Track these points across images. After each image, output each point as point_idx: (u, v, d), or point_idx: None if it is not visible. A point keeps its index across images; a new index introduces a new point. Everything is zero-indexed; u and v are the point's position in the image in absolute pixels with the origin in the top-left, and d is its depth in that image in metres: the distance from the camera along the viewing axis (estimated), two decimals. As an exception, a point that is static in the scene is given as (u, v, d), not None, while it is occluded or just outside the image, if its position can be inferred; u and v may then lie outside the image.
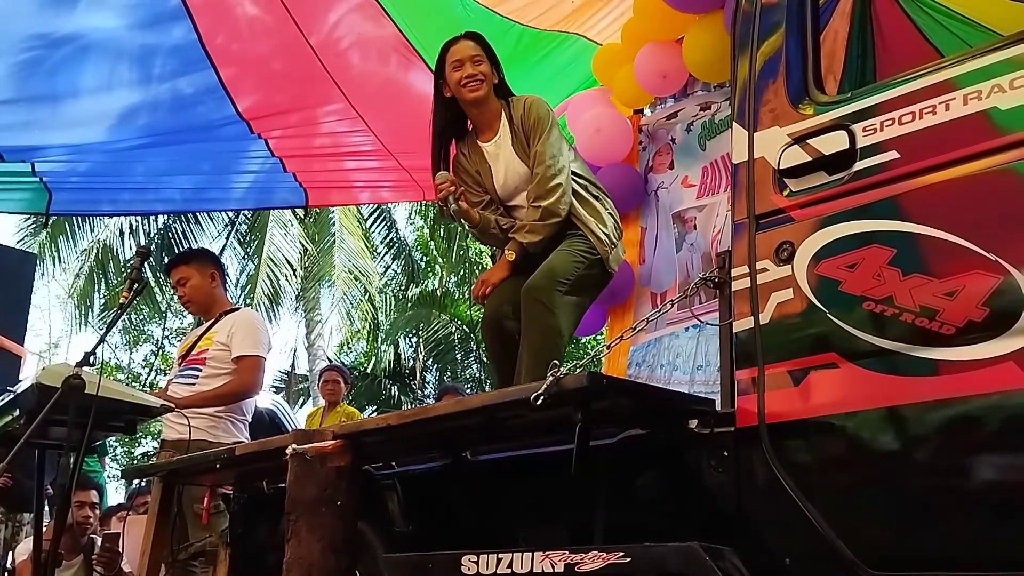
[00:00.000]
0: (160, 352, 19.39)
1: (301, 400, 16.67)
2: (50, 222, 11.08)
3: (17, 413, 2.93)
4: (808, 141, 1.80)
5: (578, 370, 1.97)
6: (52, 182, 4.97)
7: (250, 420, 3.83)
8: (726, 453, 1.84)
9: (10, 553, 4.55)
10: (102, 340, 3.13)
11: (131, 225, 13.35)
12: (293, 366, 17.60)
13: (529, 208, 2.77)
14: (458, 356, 16.15)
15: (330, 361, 14.61)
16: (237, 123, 4.86)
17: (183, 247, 12.67)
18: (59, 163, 4.90)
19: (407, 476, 2.70)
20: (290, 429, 5.44)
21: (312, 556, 2.13)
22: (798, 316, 1.75)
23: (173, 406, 3.30)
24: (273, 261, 13.60)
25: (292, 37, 4.48)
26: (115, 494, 10.15)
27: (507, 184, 2.88)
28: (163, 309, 15.59)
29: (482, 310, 2.88)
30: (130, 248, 13.38)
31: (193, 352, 3.78)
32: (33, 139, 4.62)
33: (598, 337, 5.61)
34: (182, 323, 18.14)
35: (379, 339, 16.47)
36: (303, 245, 14.24)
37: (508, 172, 2.86)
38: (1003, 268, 1.48)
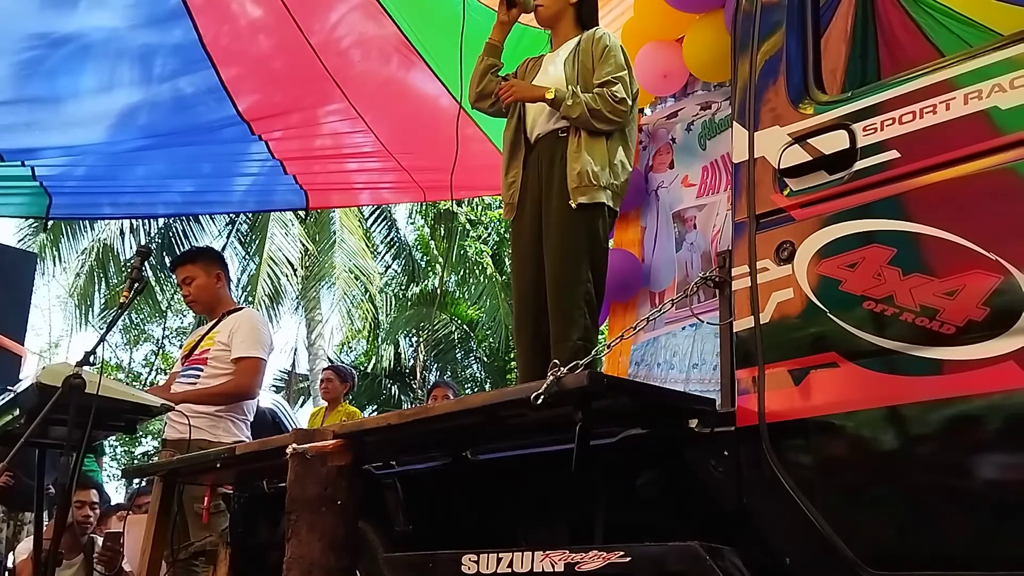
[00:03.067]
0: (160, 351, 19.40)
1: (301, 400, 16.69)
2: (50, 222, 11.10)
3: (17, 412, 2.93)
4: (808, 140, 1.80)
5: (579, 369, 1.97)
6: (52, 186, 4.97)
7: (252, 419, 3.83)
8: (726, 453, 1.84)
9: (11, 553, 4.55)
10: (102, 339, 3.13)
11: (132, 224, 13.36)
12: (294, 365, 17.62)
13: (593, 92, 2.81)
14: (458, 355, 16.17)
15: (330, 361, 14.62)
16: (238, 124, 4.86)
17: (184, 246, 12.68)
18: (59, 167, 4.89)
19: (407, 475, 2.70)
20: (290, 428, 5.45)
21: (312, 555, 2.13)
22: (798, 316, 1.75)
23: (173, 405, 3.30)
24: (274, 261, 13.61)
25: (292, 37, 4.48)
26: (115, 494, 10.16)
27: (538, 84, 2.96)
28: (163, 308, 15.59)
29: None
30: (131, 247, 13.41)
31: (195, 352, 3.78)
32: (33, 140, 4.61)
33: (598, 337, 5.61)
34: (182, 322, 18.18)
35: (379, 339, 16.49)
36: (304, 245, 14.24)
37: (549, 73, 2.96)
38: (1003, 268, 1.48)
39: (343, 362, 16.94)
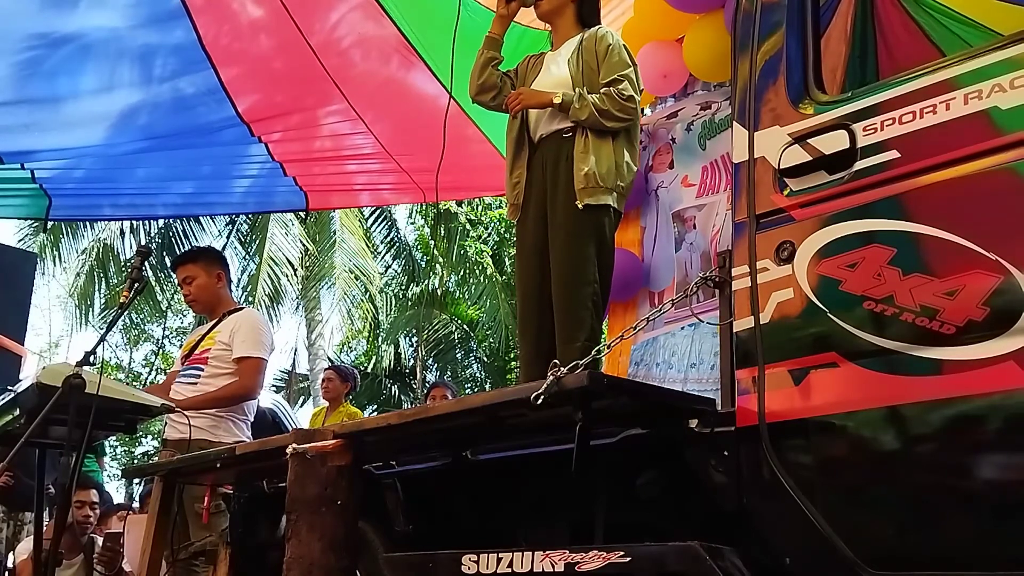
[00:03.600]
0: (160, 351, 19.41)
1: (301, 400, 16.70)
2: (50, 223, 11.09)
3: (18, 412, 2.93)
4: (808, 140, 1.80)
5: (579, 369, 1.97)
6: (51, 188, 4.96)
7: (252, 420, 3.84)
8: (726, 453, 1.84)
9: (11, 553, 4.55)
10: (102, 339, 3.14)
11: (132, 224, 13.36)
12: (294, 365, 17.62)
13: (600, 92, 2.81)
14: (458, 355, 16.18)
15: (331, 361, 14.62)
16: (238, 126, 4.86)
17: (184, 246, 12.69)
18: (58, 169, 4.89)
19: (407, 475, 2.70)
20: (290, 428, 5.45)
21: (312, 555, 2.13)
22: (798, 316, 1.75)
23: (173, 405, 3.30)
24: (274, 260, 13.61)
25: (292, 37, 4.48)
26: (115, 494, 10.16)
27: (540, 84, 2.96)
28: (163, 308, 15.61)
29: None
30: (131, 247, 13.41)
31: (196, 352, 3.78)
32: (33, 143, 4.61)
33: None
34: (182, 322, 18.20)
35: (379, 339, 16.49)
36: (304, 245, 14.24)
37: (552, 73, 2.95)
38: (1003, 268, 1.48)
39: (343, 362, 16.96)
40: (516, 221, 3.00)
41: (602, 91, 2.80)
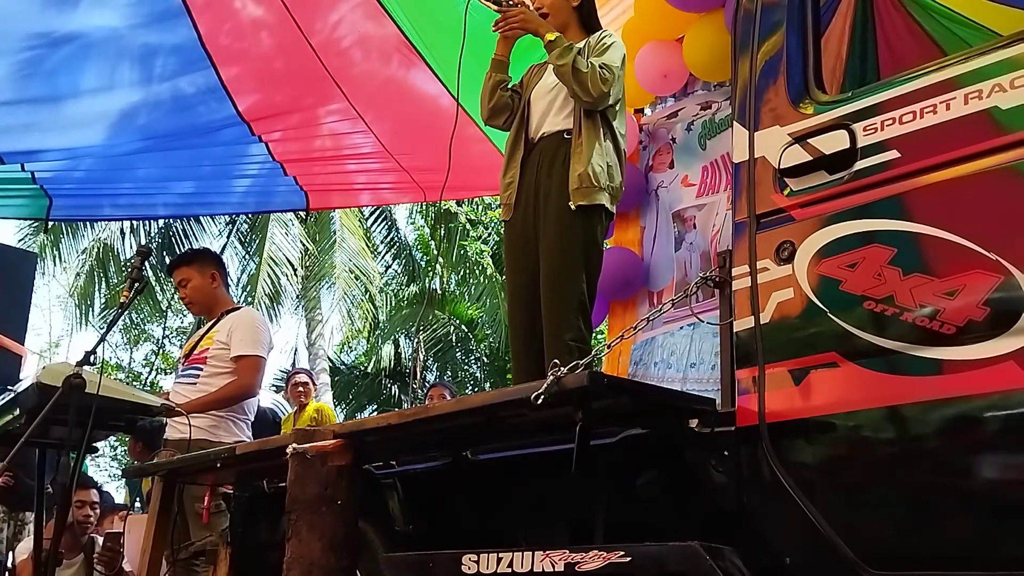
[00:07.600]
0: (160, 351, 19.40)
1: (301, 399, 16.64)
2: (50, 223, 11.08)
3: (18, 412, 2.94)
4: (809, 140, 1.80)
5: (579, 369, 1.97)
6: (52, 188, 4.97)
7: (252, 419, 3.84)
8: (727, 453, 1.84)
9: (11, 552, 4.55)
10: (103, 339, 3.14)
11: (132, 224, 13.34)
12: (294, 365, 17.59)
13: (589, 60, 2.80)
14: (458, 356, 16.17)
15: (331, 361, 14.62)
16: (238, 125, 4.86)
17: (184, 246, 12.68)
18: (59, 170, 4.89)
19: (408, 475, 2.70)
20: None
21: (312, 555, 2.13)
22: (799, 315, 1.75)
23: (173, 406, 3.30)
24: (274, 260, 13.59)
25: (293, 37, 4.48)
26: (116, 494, 10.16)
27: (544, 85, 2.96)
28: (164, 308, 15.59)
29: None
30: (131, 247, 13.39)
31: (195, 352, 3.79)
32: (33, 143, 4.61)
33: (598, 336, 5.61)
34: (183, 322, 18.17)
35: (379, 338, 16.49)
36: (304, 245, 14.23)
37: (553, 75, 2.91)
38: (1004, 268, 1.48)
39: (343, 362, 16.98)
40: (506, 221, 3.00)
41: (591, 61, 2.79)
